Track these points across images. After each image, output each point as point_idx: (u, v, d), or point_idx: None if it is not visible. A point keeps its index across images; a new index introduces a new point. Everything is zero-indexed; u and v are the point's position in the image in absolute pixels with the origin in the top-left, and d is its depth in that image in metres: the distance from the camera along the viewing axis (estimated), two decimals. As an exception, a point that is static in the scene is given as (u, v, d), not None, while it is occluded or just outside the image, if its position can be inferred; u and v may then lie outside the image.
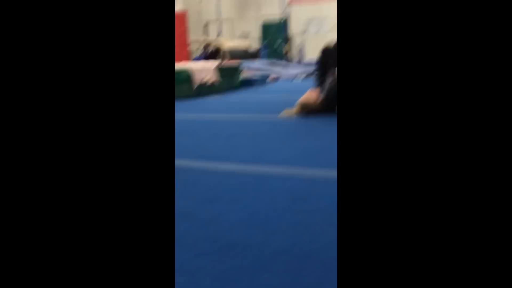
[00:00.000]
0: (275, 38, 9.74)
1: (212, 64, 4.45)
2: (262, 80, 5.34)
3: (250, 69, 5.67)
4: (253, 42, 9.51)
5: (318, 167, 1.50)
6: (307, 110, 2.58)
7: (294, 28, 10.15)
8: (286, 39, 9.61)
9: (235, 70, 4.71)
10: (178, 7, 9.10)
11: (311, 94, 2.64)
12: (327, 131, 2.18)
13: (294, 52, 9.40)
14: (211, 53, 8.10)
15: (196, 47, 9.45)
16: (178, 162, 0.98)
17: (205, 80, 4.10)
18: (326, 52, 2.71)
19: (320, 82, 2.68)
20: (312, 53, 8.26)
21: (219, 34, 10.60)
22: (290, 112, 2.66)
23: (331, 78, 2.60)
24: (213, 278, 0.78)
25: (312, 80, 3.45)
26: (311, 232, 0.95)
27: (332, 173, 1.30)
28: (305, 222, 1.01)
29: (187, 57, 8.04)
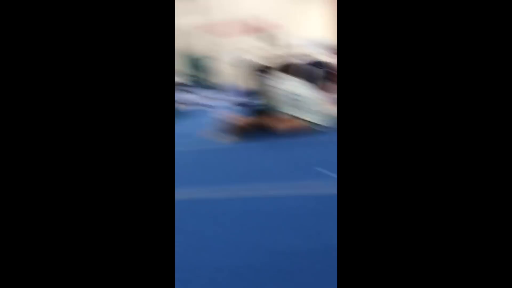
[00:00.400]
0: (203, 70, 10.28)
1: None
2: (194, 110, 5.67)
3: (180, 101, 6.15)
4: (182, 77, 10.34)
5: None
6: (240, 133, 2.92)
7: (220, 59, 10.73)
8: (212, 70, 10.15)
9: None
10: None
11: (239, 117, 2.97)
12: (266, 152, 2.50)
13: (221, 80, 9.98)
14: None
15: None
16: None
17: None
18: (256, 75, 3.06)
19: (250, 105, 3.12)
20: (239, 83, 9.16)
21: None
22: (226, 139, 3.02)
23: (258, 99, 3.02)
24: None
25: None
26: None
27: None
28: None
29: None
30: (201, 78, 10.25)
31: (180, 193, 1.37)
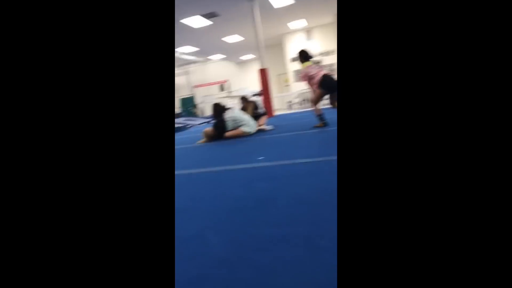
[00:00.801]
0: (188, 106, 13.68)
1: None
2: (183, 128, 7.69)
3: (176, 123, 8.08)
4: (176, 109, 13.77)
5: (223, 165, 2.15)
6: (209, 138, 4.03)
7: (198, 99, 14.58)
8: (194, 106, 13.69)
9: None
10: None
11: (209, 129, 4.06)
12: (222, 146, 3.33)
13: (199, 111, 13.86)
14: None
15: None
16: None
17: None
18: (216, 107, 4.19)
19: (214, 123, 4.16)
20: (208, 112, 13.70)
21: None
22: (201, 141, 4.08)
23: (217, 120, 4.16)
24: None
25: (210, 123, 5.53)
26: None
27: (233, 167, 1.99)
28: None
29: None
30: (187, 110, 13.94)
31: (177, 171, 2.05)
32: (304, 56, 3.89)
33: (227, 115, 4.22)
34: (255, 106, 5.02)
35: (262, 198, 1.42)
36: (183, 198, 1.61)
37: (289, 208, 1.27)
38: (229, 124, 4.18)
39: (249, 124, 4.24)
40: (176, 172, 2.26)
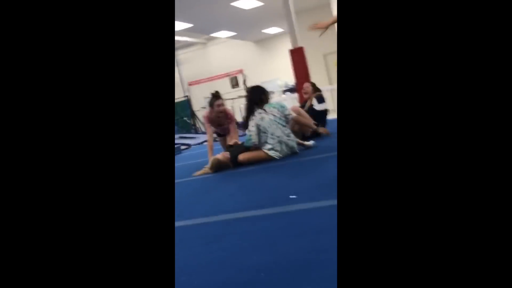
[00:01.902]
0: (182, 114, 12.66)
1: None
2: (176, 151, 7.06)
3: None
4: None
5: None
6: (217, 169, 3.75)
7: (196, 105, 13.13)
8: (192, 114, 12.59)
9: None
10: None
11: (223, 155, 3.84)
12: (231, 179, 3.26)
13: (198, 123, 12.30)
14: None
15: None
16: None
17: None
18: (255, 92, 4.00)
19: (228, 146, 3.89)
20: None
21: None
22: (202, 171, 3.78)
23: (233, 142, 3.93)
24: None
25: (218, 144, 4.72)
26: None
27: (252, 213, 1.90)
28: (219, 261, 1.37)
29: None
30: (180, 121, 12.39)
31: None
32: None
33: (256, 120, 3.61)
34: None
35: (296, 266, 1.26)
36: (179, 266, 1.40)
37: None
38: (251, 139, 3.65)
39: (284, 145, 3.70)
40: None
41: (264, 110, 3.72)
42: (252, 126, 3.68)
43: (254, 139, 3.69)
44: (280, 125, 3.71)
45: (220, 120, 4.49)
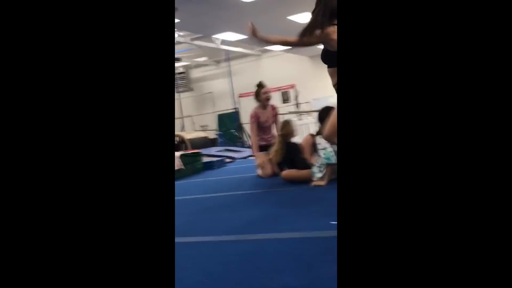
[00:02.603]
0: (230, 127, 12.58)
1: (177, 153, 5.76)
2: (220, 163, 6.98)
3: (209, 155, 7.80)
4: (211, 133, 12.31)
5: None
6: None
7: (244, 117, 12.49)
8: (239, 127, 12.50)
9: (196, 157, 6.32)
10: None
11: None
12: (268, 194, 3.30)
13: (246, 136, 12.18)
14: (176, 145, 10.22)
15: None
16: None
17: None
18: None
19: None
20: None
21: (182, 128, 13.69)
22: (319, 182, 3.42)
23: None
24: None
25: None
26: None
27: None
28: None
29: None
30: (228, 133, 12.60)
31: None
32: None
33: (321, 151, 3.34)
34: None
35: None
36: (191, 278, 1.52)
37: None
38: (332, 157, 3.41)
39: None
40: (186, 240, 2.27)
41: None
42: (328, 145, 3.39)
43: (335, 160, 3.42)
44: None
45: (266, 113, 4.55)
